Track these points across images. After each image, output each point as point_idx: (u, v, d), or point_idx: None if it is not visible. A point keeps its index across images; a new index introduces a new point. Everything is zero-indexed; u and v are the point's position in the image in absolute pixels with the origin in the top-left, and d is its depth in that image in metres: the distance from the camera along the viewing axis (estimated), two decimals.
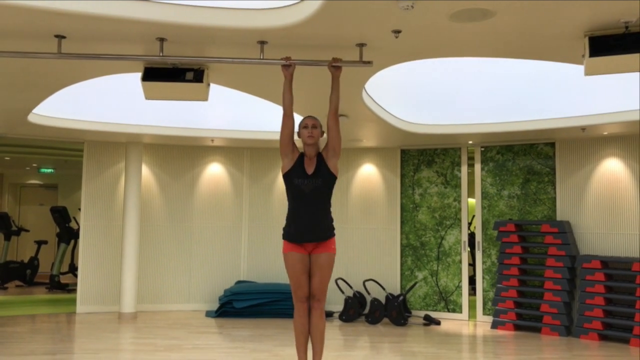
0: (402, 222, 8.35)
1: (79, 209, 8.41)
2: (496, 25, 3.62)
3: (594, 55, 3.61)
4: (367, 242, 8.44)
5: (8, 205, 13.38)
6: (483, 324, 7.62)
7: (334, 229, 4.11)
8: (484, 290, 7.81)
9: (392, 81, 5.57)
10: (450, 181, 8.13)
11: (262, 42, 3.96)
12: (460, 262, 7.99)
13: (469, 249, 8.12)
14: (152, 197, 8.39)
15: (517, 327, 7.23)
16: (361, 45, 4.00)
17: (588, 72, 3.75)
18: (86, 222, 8.14)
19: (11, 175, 13.31)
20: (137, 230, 7.88)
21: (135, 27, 3.72)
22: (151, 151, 8.38)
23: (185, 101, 5.15)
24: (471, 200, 8.24)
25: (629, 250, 6.85)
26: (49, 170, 13.03)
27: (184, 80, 4.36)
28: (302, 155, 4.06)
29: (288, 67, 3.98)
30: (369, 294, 7.87)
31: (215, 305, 8.18)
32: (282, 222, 4.21)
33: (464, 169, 8.05)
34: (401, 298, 7.62)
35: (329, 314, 7.90)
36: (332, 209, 4.17)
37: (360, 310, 7.82)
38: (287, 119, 4.00)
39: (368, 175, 8.55)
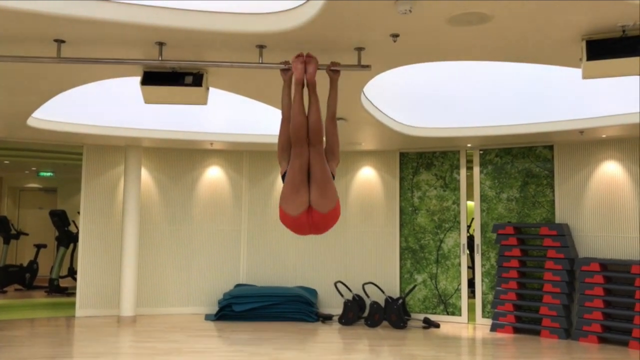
0: (401, 225, 8.35)
1: (78, 213, 8.42)
2: (494, 29, 3.63)
3: (591, 59, 3.62)
4: (366, 245, 8.44)
5: (7, 208, 13.38)
6: (482, 326, 7.62)
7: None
8: (483, 293, 7.81)
9: (391, 85, 5.58)
10: (449, 184, 8.14)
11: (261, 46, 3.98)
12: (459, 265, 7.99)
13: (468, 252, 8.13)
14: (151, 200, 8.39)
15: (517, 330, 7.23)
16: (359, 49, 4.02)
17: (586, 76, 3.76)
18: (85, 226, 8.14)
19: (10, 178, 13.31)
20: (137, 233, 7.88)
21: (135, 32, 3.73)
22: (150, 155, 8.38)
23: (184, 105, 5.16)
24: (470, 203, 8.24)
25: (627, 253, 6.86)
26: (48, 174, 13.03)
27: (183, 84, 4.37)
28: None
29: (287, 71, 3.98)
30: (368, 297, 7.87)
31: (214, 309, 8.18)
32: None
33: (463, 172, 8.06)
34: (400, 301, 7.62)
35: (328, 317, 7.91)
36: None
37: (359, 313, 7.82)
38: (286, 123, 4.00)
39: (367, 178, 8.56)
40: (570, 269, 6.98)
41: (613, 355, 6.05)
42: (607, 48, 3.58)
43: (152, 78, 4.37)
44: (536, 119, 6.71)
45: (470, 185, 8.08)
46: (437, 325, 7.55)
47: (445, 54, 4.29)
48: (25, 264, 11.39)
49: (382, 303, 7.70)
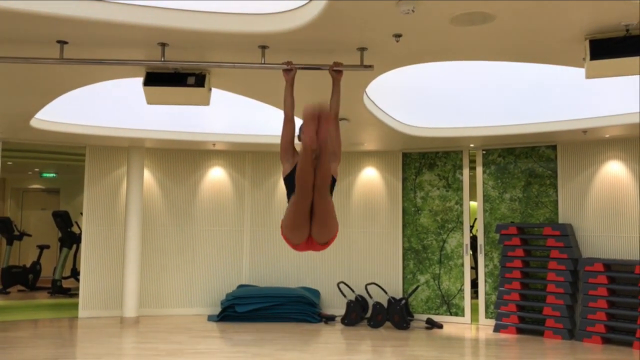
0: (404, 226, 8.34)
1: (81, 214, 8.42)
2: (497, 28, 3.62)
3: (594, 58, 3.61)
4: (369, 245, 8.44)
5: (10, 210, 13.40)
6: (485, 327, 7.60)
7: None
8: (486, 294, 7.79)
9: (393, 85, 5.57)
10: (452, 184, 8.12)
11: (263, 47, 3.98)
12: (462, 265, 7.98)
13: (471, 252, 8.11)
14: (154, 201, 8.39)
15: (520, 331, 7.21)
16: (362, 50, 4.01)
17: (589, 75, 3.75)
18: (88, 227, 8.14)
19: (13, 180, 13.33)
20: (139, 234, 7.88)
21: (137, 32, 3.73)
22: (153, 155, 8.39)
23: (186, 106, 5.16)
24: (473, 204, 8.23)
25: (631, 253, 6.83)
26: (51, 175, 13.05)
27: (185, 84, 4.37)
28: None
29: (289, 71, 3.98)
30: (371, 297, 7.86)
31: (217, 310, 8.18)
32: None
33: (466, 172, 8.05)
34: (403, 302, 7.60)
35: (331, 318, 7.90)
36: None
37: (362, 314, 7.81)
38: (289, 123, 4.00)
39: (370, 178, 8.55)
40: (574, 269, 6.96)
41: (617, 356, 6.03)
42: (610, 47, 3.57)
43: (155, 79, 4.38)
44: (539, 118, 6.70)
45: (473, 185, 8.06)
46: (440, 326, 7.53)
47: (447, 54, 4.28)
48: (28, 265, 11.41)
49: (385, 304, 7.69)
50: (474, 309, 7.93)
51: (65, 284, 10.71)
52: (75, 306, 8.21)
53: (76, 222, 10.85)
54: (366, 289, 7.89)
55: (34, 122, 6.56)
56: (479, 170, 7.95)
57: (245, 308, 7.75)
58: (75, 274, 10.87)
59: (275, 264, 8.52)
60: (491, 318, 7.65)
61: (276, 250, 8.51)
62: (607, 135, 6.87)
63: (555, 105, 6.40)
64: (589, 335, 6.65)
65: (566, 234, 7.01)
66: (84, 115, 6.98)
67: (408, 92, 6.17)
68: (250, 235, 8.61)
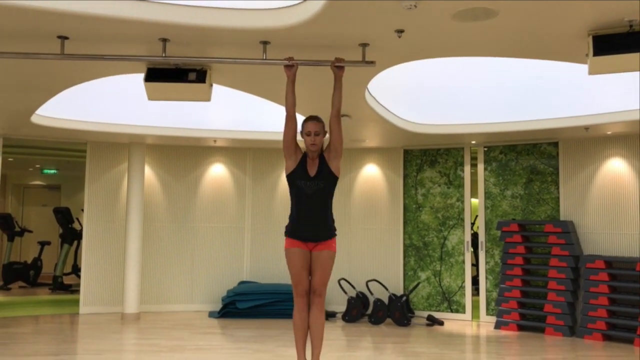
0: (405, 223, 8.33)
1: (82, 210, 8.42)
2: (499, 24, 3.61)
3: (597, 55, 3.60)
4: (370, 242, 8.43)
5: (11, 206, 13.41)
6: (486, 324, 7.60)
7: (335, 229, 4.16)
8: (487, 291, 7.79)
9: (395, 81, 5.56)
10: (453, 181, 8.11)
11: (265, 43, 3.96)
12: (463, 262, 7.97)
13: (472, 249, 8.11)
14: (154, 198, 8.39)
15: (521, 328, 7.21)
16: (364, 45, 4.00)
17: (592, 72, 3.73)
18: (89, 223, 8.14)
19: (14, 176, 13.33)
20: (140, 231, 7.88)
21: (138, 28, 3.72)
22: (154, 152, 8.38)
23: (187, 102, 5.16)
24: (474, 201, 8.22)
25: (633, 250, 6.82)
26: (52, 171, 13.05)
27: (186, 80, 4.37)
28: (305, 156, 4.07)
29: (291, 67, 3.97)
30: (372, 294, 7.86)
31: (218, 306, 8.18)
32: (285, 222, 4.22)
33: (467, 169, 8.04)
34: (404, 298, 7.60)
35: (332, 315, 7.90)
36: (334, 209, 4.20)
37: (363, 310, 7.81)
38: (290, 119, 4.00)
39: (371, 175, 8.54)
40: (575, 266, 6.95)
41: (618, 352, 6.02)
42: (613, 43, 3.55)
43: (156, 75, 4.37)
44: (541, 115, 6.68)
45: (474, 182, 8.05)
46: (441, 323, 7.53)
47: (450, 50, 4.27)
48: (29, 261, 11.42)
49: (386, 300, 7.69)
50: (475, 306, 7.93)
51: (66, 280, 10.73)
52: (76, 302, 8.22)
53: (77, 219, 10.85)
54: (367, 285, 7.89)
55: (34, 119, 6.56)
56: (480, 167, 7.94)
57: (246, 304, 7.75)
58: (76, 270, 10.88)
59: (277, 260, 8.50)
60: (492, 315, 7.65)
61: (277, 246, 8.50)
62: (609, 132, 6.86)
63: (557, 102, 6.39)
64: (590, 332, 6.65)
65: (567, 231, 7.00)
66: (85, 111, 6.98)
67: (410, 88, 6.16)
68: (251, 231, 8.61)
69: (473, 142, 7.83)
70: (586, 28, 3.64)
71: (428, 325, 7.53)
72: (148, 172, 8.31)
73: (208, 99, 4.52)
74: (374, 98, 5.88)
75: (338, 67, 3.97)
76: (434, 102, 6.66)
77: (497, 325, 7.33)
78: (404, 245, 8.31)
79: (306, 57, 4.13)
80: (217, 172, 8.63)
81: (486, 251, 7.84)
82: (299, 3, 3.61)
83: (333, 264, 4.15)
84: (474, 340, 6.86)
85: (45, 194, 13.62)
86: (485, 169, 7.91)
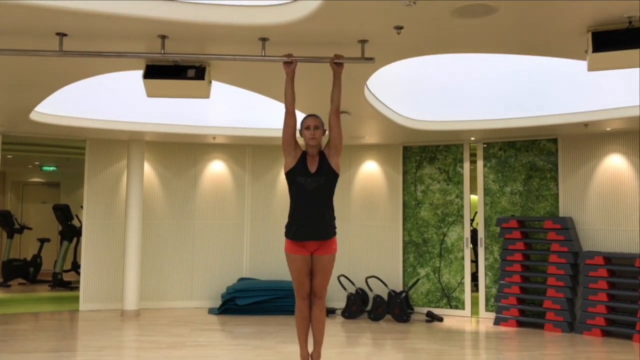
0: (404, 219, 8.34)
1: (81, 207, 8.42)
2: (498, 21, 3.60)
3: (597, 51, 3.59)
4: (369, 239, 8.44)
5: (10, 203, 13.40)
6: (485, 320, 7.62)
7: (335, 227, 4.15)
8: (486, 287, 7.80)
9: (394, 78, 5.56)
10: (452, 178, 8.12)
11: (264, 39, 3.96)
12: (462, 258, 7.98)
13: (471, 246, 8.12)
14: (154, 194, 8.39)
15: (520, 324, 7.22)
16: (363, 42, 3.99)
17: (591, 68, 3.73)
18: (88, 220, 8.14)
19: (13, 173, 13.33)
20: (140, 227, 7.89)
21: (137, 25, 3.71)
22: (153, 149, 8.38)
23: (186, 98, 5.15)
24: (473, 197, 8.22)
25: (631, 247, 6.83)
26: (51, 168, 13.04)
27: (185, 77, 4.36)
28: (304, 153, 4.06)
29: (290, 64, 3.96)
30: (371, 290, 7.87)
31: (217, 303, 8.19)
32: (284, 219, 4.21)
33: (466, 165, 8.04)
34: (403, 295, 7.62)
35: (332, 311, 7.91)
36: (334, 206, 4.19)
37: (362, 307, 7.82)
38: (289, 116, 4.00)
39: (370, 172, 8.54)
40: (574, 262, 6.96)
41: (617, 348, 6.04)
42: (613, 40, 3.54)
43: (155, 71, 4.36)
44: (540, 112, 6.68)
45: (473, 178, 8.06)
46: (440, 319, 7.55)
47: (449, 46, 4.26)
48: (29, 258, 11.42)
49: (385, 297, 7.70)
50: (474, 302, 7.94)
51: (66, 277, 10.74)
52: (76, 299, 8.22)
53: (76, 216, 10.85)
54: (366, 282, 7.90)
55: (33, 115, 6.55)
56: (480, 163, 7.94)
57: (246, 301, 7.76)
58: (75, 267, 10.89)
59: (276, 257, 8.51)
60: (491, 311, 7.66)
61: (276, 243, 8.51)
62: (608, 129, 6.86)
63: (557, 98, 6.38)
64: (589, 328, 6.66)
65: (567, 227, 7.01)
66: (84, 108, 6.97)
67: (409, 85, 6.15)
68: (250, 228, 8.61)
69: (472, 138, 7.82)
70: (585, 24, 3.63)
71: (427, 321, 7.54)
72: (147, 169, 8.31)
73: (207, 96, 4.51)
74: (373, 95, 5.88)
75: (337, 63, 3.97)
76: (433, 98, 6.66)
77: (496, 322, 7.34)
78: (404, 241, 8.32)
79: (305, 54, 4.13)
80: (217, 168, 8.63)
81: (485, 247, 7.84)
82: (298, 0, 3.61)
83: (333, 266, 4.23)
84: (473, 337, 6.87)
85: (44, 191, 13.62)
86: (484, 165, 7.91)
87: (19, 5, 3.36)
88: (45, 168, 13.05)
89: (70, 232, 10.78)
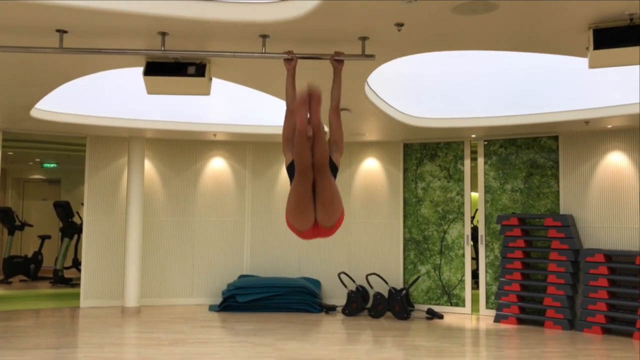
0: (404, 216, 8.34)
1: (82, 204, 8.43)
2: (499, 18, 3.59)
3: (598, 48, 3.58)
4: (369, 236, 8.44)
5: (11, 200, 13.41)
6: (486, 317, 7.62)
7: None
8: (487, 284, 7.81)
9: (395, 75, 5.55)
10: (453, 175, 8.11)
11: (264, 36, 3.95)
12: (463, 256, 7.98)
13: (472, 243, 8.11)
14: (154, 191, 8.39)
15: (520, 321, 7.23)
16: (364, 39, 3.98)
17: (592, 65, 3.72)
18: (89, 217, 8.15)
19: (14, 170, 13.33)
20: (140, 224, 7.89)
21: (137, 21, 3.71)
22: (154, 146, 8.38)
23: (187, 96, 5.14)
24: (474, 194, 8.22)
25: (632, 244, 6.83)
26: (52, 165, 13.04)
27: (185, 74, 4.35)
28: None
29: (290, 61, 3.95)
30: (371, 288, 7.87)
31: (218, 300, 8.20)
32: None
33: (467, 162, 8.03)
34: (404, 292, 7.62)
35: (332, 308, 7.92)
36: None
37: (363, 304, 7.82)
38: (290, 114, 3.98)
39: (371, 169, 8.54)
40: (575, 260, 6.96)
41: (617, 346, 6.04)
42: (614, 37, 3.54)
43: (155, 68, 4.36)
44: (541, 109, 6.67)
45: (474, 176, 8.05)
46: (440, 316, 7.55)
47: (450, 44, 4.25)
48: (29, 255, 11.44)
49: (386, 294, 7.70)
50: (475, 300, 7.95)
51: (67, 274, 10.75)
52: (76, 296, 8.24)
53: (77, 213, 10.86)
54: (367, 279, 7.90)
55: (34, 112, 6.55)
56: (480, 160, 7.93)
57: (247, 298, 7.77)
58: (76, 264, 10.90)
59: (277, 254, 8.53)
60: (492, 308, 7.66)
61: (277, 240, 8.52)
62: (609, 126, 6.85)
63: (557, 95, 6.37)
64: (589, 326, 6.66)
65: (567, 224, 7.00)
66: (85, 105, 6.96)
67: (409, 82, 6.14)
68: (251, 225, 8.61)
69: (473, 135, 7.82)
70: (586, 21, 3.62)
71: (428, 318, 7.54)
72: (148, 166, 8.31)
73: (207, 93, 4.51)
74: (374, 92, 5.87)
75: (338, 60, 3.96)
76: (434, 95, 6.65)
77: (497, 319, 7.34)
78: (404, 239, 8.32)
79: (306, 51, 4.12)
80: (217, 166, 8.63)
81: (486, 245, 7.84)
82: None
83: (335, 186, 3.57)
84: (474, 334, 6.88)
85: (45, 188, 13.62)
86: (485, 162, 7.91)
87: (19, 3, 3.35)
88: (46, 165, 13.05)
89: (71, 229, 10.79)
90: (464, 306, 7.92)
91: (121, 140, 8.22)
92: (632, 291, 6.44)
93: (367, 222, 8.47)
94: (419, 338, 6.50)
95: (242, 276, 8.39)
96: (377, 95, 6.01)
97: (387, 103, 6.37)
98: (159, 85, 4.43)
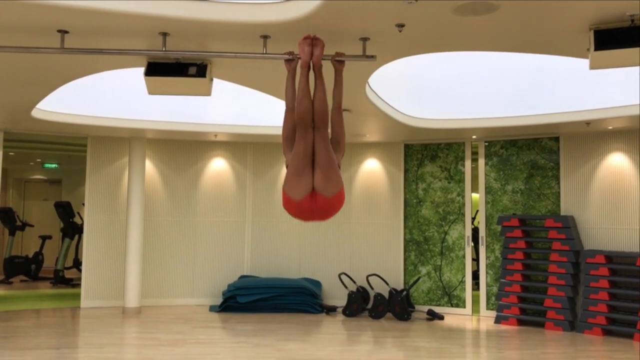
0: (405, 217, 8.34)
1: (83, 204, 8.43)
2: (500, 19, 3.59)
3: (599, 49, 3.58)
4: (370, 237, 8.44)
5: (12, 200, 13.42)
6: (486, 318, 7.61)
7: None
8: (487, 285, 7.80)
9: (396, 75, 5.55)
10: (453, 176, 8.11)
11: (265, 37, 3.95)
12: (463, 257, 7.98)
13: (472, 244, 8.11)
14: (155, 192, 8.40)
15: (521, 322, 7.22)
16: (364, 40, 3.98)
17: (593, 66, 3.72)
18: (90, 217, 8.16)
19: (15, 170, 13.34)
20: (141, 225, 7.89)
21: (138, 22, 3.71)
22: (154, 146, 8.38)
23: (188, 96, 5.15)
24: (475, 195, 8.22)
25: (633, 245, 6.82)
26: (53, 166, 13.06)
27: (186, 75, 4.35)
28: None
29: (291, 61, 3.95)
30: (372, 288, 7.87)
31: (219, 300, 8.20)
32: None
33: (468, 163, 8.03)
34: (404, 293, 7.62)
35: (333, 309, 7.92)
36: None
37: (363, 305, 7.82)
38: (290, 114, 3.99)
39: (371, 170, 8.54)
40: (575, 261, 6.96)
41: (617, 347, 6.04)
42: (615, 38, 3.53)
43: (156, 69, 4.36)
44: (542, 110, 6.67)
45: (475, 177, 8.05)
46: (441, 317, 7.55)
47: (451, 44, 4.25)
48: (30, 255, 11.45)
49: (386, 295, 7.70)
50: (475, 301, 7.94)
51: (68, 274, 10.76)
52: (77, 296, 8.24)
53: (78, 213, 10.87)
54: (367, 280, 7.90)
55: (35, 113, 6.55)
56: (481, 161, 7.93)
57: (247, 299, 7.77)
58: (77, 264, 10.91)
59: (277, 255, 8.53)
60: (492, 309, 7.66)
61: (278, 241, 8.53)
62: (610, 127, 6.84)
63: (558, 96, 6.37)
64: (590, 327, 6.66)
65: (568, 226, 7.00)
66: (86, 105, 6.97)
67: (411, 82, 6.14)
68: (251, 226, 8.62)
69: (474, 136, 7.81)
70: (587, 22, 3.62)
71: (428, 319, 7.54)
72: (149, 166, 8.32)
73: (208, 94, 4.52)
74: (375, 92, 5.87)
75: (338, 61, 3.95)
76: (434, 96, 6.65)
77: (497, 320, 7.34)
78: (405, 239, 8.32)
79: None
80: (218, 166, 8.64)
81: (487, 246, 7.84)
82: None
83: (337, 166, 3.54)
84: (474, 335, 6.87)
85: (46, 188, 13.63)
86: (486, 163, 7.90)
87: (21, 3, 3.36)
88: (47, 165, 13.06)
89: (72, 229, 10.79)
90: (464, 307, 7.92)
91: (122, 141, 8.23)
92: (633, 292, 6.44)
93: (367, 222, 8.47)
94: (420, 339, 6.50)
95: (242, 277, 8.39)
96: (378, 96, 6.02)
97: (388, 104, 6.37)
98: (160, 85, 4.44)
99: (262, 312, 7.78)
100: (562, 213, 7.32)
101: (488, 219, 7.85)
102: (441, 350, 5.88)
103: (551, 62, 5.03)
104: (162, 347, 5.74)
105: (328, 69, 4.09)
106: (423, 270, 8.19)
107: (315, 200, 3.41)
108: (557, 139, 7.47)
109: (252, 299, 7.78)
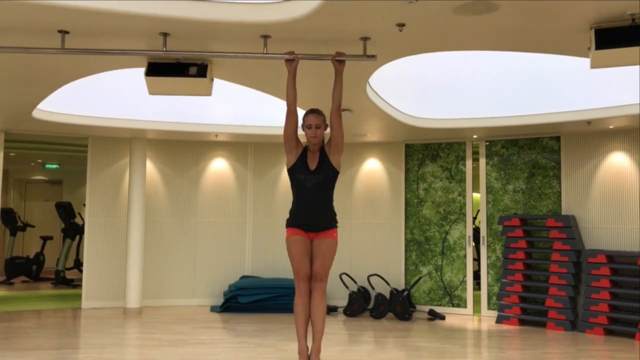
0: (406, 217, 8.33)
1: (84, 205, 8.43)
2: (500, 18, 3.59)
3: (600, 48, 3.58)
4: (371, 237, 8.43)
5: (13, 201, 13.43)
6: (488, 318, 7.61)
7: (336, 221, 4.18)
8: (488, 285, 7.80)
9: (396, 75, 5.55)
10: (454, 176, 8.10)
11: (266, 37, 3.95)
12: (464, 256, 7.97)
13: (473, 244, 8.11)
14: (156, 192, 8.40)
15: (522, 322, 7.21)
16: (365, 39, 3.99)
17: (594, 65, 3.72)
18: (91, 218, 8.16)
19: (16, 171, 13.35)
20: (142, 225, 7.89)
21: (139, 22, 3.72)
22: (155, 147, 8.38)
23: (188, 96, 5.15)
24: (476, 195, 8.21)
25: (634, 245, 6.81)
26: (54, 166, 13.06)
27: (187, 75, 4.36)
28: (305, 150, 4.08)
29: (291, 61, 3.96)
30: (373, 288, 7.87)
31: (220, 301, 8.20)
32: (287, 216, 4.22)
33: (469, 163, 8.03)
34: (405, 293, 7.61)
35: (334, 309, 7.91)
36: (336, 204, 4.25)
37: (364, 305, 7.82)
38: (291, 114, 4.00)
39: (372, 170, 8.53)
40: (577, 260, 6.95)
41: (619, 347, 6.03)
42: (616, 37, 3.53)
43: (157, 69, 4.37)
44: (543, 109, 6.66)
45: (476, 176, 8.05)
46: (442, 317, 7.54)
47: (451, 44, 4.25)
48: (31, 256, 11.45)
49: (387, 295, 7.70)
50: (476, 301, 7.94)
51: (69, 274, 10.77)
52: (78, 297, 8.24)
53: (79, 213, 10.87)
54: (368, 280, 7.90)
55: (36, 113, 6.56)
56: (482, 161, 7.93)
57: (248, 299, 7.77)
58: (78, 265, 10.92)
59: (278, 255, 8.51)
60: (493, 309, 7.65)
61: (279, 241, 8.51)
62: (611, 127, 6.84)
63: (559, 96, 6.37)
64: (591, 327, 6.65)
65: (569, 225, 6.99)
66: (87, 106, 6.98)
67: (411, 82, 6.14)
68: (252, 226, 8.62)
69: (475, 136, 7.81)
70: (588, 21, 3.62)
71: (429, 319, 7.53)
72: (149, 166, 8.32)
73: (209, 94, 4.52)
74: (375, 92, 5.87)
75: (339, 61, 3.96)
76: (435, 96, 6.65)
77: (499, 320, 7.33)
78: (406, 239, 8.31)
79: (307, 51, 4.13)
80: (219, 166, 8.64)
81: (488, 246, 7.84)
82: None
83: (335, 252, 4.11)
84: (475, 335, 6.87)
85: (47, 189, 13.64)
86: (487, 163, 7.90)
87: (21, 3, 3.36)
88: (48, 166, 13.07)
89: (73, 230, 10.80)
90: (465, 307, 7.91)
91: (123, 141, 8.23)
92: (634, 292, 6.43)
93: (368, 222, 8.47)
94: (421, 339, 6.50)
95: (243, 277, 8.39)
96: (379, 96, 6.01)
97: (388, 103, 6.37)
98: (161, 85, 4.44)
99: (263, 313, 7.78)
100: (563, 212, 7.31)
101: (489, 219, 7.85)
102: (442, 350, 5.87)
103: (552, 62, 5.03)
104: (163, 347, 5.74)
105: (328, 69, 4.10)
106: (424, 270, 8.18)
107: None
108: (558, 139, 7.47)
109: (253, 299, 7.78)
